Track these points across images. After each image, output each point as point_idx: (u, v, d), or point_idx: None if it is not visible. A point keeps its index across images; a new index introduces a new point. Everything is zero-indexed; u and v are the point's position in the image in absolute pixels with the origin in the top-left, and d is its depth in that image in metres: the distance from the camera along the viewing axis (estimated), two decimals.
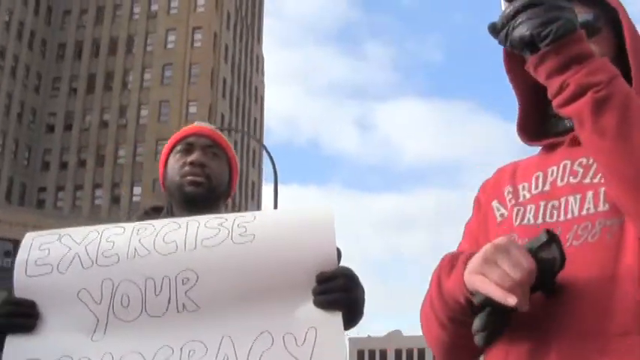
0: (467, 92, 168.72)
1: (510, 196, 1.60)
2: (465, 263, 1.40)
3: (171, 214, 2.25)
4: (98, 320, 1.78)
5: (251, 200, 76.02)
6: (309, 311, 1.75)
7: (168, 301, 1.77)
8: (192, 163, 2.23)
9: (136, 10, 69.65)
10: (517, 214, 1.55)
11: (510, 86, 1.66)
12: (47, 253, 1.85)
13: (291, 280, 1.78)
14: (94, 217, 56.24)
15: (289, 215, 1.92)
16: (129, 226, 1.91)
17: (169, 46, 67.41)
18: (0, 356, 1.81)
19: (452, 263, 1.47)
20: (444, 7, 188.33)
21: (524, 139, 1.68)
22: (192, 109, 64.51)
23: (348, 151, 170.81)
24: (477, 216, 1.68)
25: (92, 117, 66.94)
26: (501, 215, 1.59)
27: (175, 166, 2.27)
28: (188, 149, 2.28)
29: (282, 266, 1.78)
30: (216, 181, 2.26)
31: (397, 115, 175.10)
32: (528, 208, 1.54)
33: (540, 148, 1.66)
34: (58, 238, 1.89)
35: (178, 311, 1.77)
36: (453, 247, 1.68)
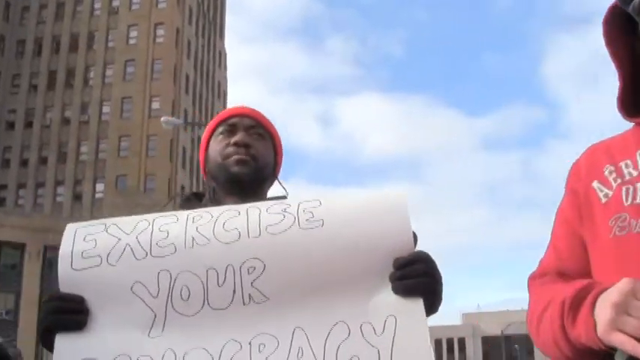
0: (428, 87, 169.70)
1: (614, 175, 1.53)
2: (591, 309, 1.35)
3: (214, 200, 2.12)
4: (155, 315, 1.66)
5: None
6: (386, 299, 1.65)
7: (233, 293, 1.66)
8: (236, 144, 2.10)
9: (97, 5, 68.58)
10: (627, 193, 1.48)
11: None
12: (94, 244, 1.72)
13: (366, 266, 1.67)
14: (56, 214, 55.62)
15: (358, 199, 1.78)
16: (182, 214, 1.78)
17: (131, 42, 66.53)
18: (50, 357, 1.67)
19: (572, 306, 1.41)
20: (406, 3, 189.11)
21: (624, 115, 1.59)
22: (155, 105, 63.85)
23: (311, 146, 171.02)
24: (572, 201, 1.61)
25: (53, 114, 65.82)
26: (605, 195, 1.53)
27: (218, 148, 2.14)
28: (231, 130, 2.15)
29: (356, 252, 1.67)
30: (262, 162, 2.12)
31: (359, 109, 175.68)
32: (638, 186, 1.47)
33: (634, 124, 1.59)
34: (104, 229, 1.75)
35: (244, 303, 1.66)
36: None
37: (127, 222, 1.78)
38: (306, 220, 1.71)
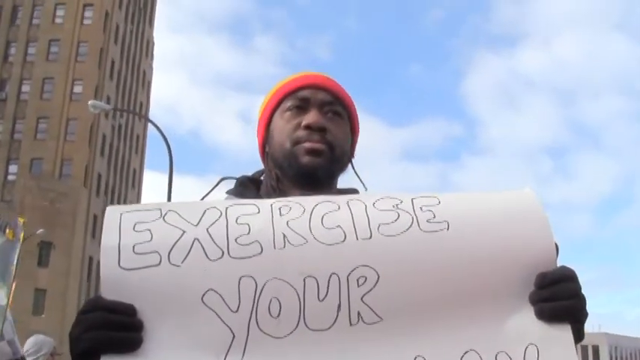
0: (351, 94, 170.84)
1: None
2: None
3: (277, 190, 1.72)
4: (234, 336, 1.29)
5: (132, 188, 74.22)
6: (525, 323, 1.35)
7: (338, 309, 1.31)
8: (308, 127, 1.70)
9: None
10: None
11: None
12: (149, 236, 1.33)
13: (501, 282, 1.37)
14: None
15: (483, 200, 1.46)
16: (263, 204, 1.41)
17: (57, 20, 64.41)
18: None
19: None
20: (337, 9, 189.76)
21: None
22: (78, 89, 62.21)
23: (231, 144, 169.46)
24: None
25: None
26: None
27: (286, 128, 1.72)
28: (302, 107, 1.75)
29: (489, 264, 1.36)
30: (339, 151, 1.72)
31: None
32: None
33: None
34: (159, 215, 1.36)
35: (351, 323, 1.31)
36: None
37: (190, 209, 1.38)
38: (427, 220, 1.37)
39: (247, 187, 1.76)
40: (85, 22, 64.55)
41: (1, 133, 62.15)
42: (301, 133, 1.69)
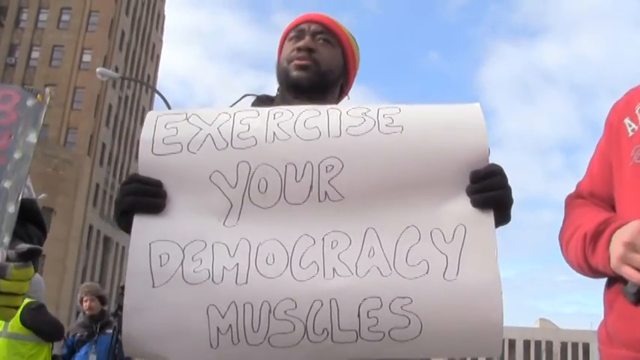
0: (368, 78, 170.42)
1: None
2: (607, 244, 1.66)
3: (283, 102, 2.07)
4: (232, 205, 1.69)
5: (135, 160, 74.35)
6: (457, 208, 1.68)
7: (310, 189, 1.69)
8: (299, 49, 2.11)
9: None
10: None
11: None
12: (175, 131, 1.74)
13: (441, 174, 1.69)
14: None
15: (436, 110, 1.80)
16: (263, 110, 1.80)
17: None
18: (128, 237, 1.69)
19: (593, 239, 1.72)
20: None
21: None
22: (87, 58, 62.30)
23: None
24: (608, 135, 1.86)
25: None
26: (632, 130, 1.77)
27: (286, 52, 2.16)
28: (299, 36, 2.16)
29: (432, 160, 1.70)
30: (325, 67, 2.10)
31: None
32: None
33: None
34: (185, 118, 1.77)
35: (320, 200, 1.68)
36: None
37: (207, 113, 1.79)
38: (386, 124, 1.73)
39: (263, 102, 2.14)
40: None
41: None
42: (294, 53, 2.11)
